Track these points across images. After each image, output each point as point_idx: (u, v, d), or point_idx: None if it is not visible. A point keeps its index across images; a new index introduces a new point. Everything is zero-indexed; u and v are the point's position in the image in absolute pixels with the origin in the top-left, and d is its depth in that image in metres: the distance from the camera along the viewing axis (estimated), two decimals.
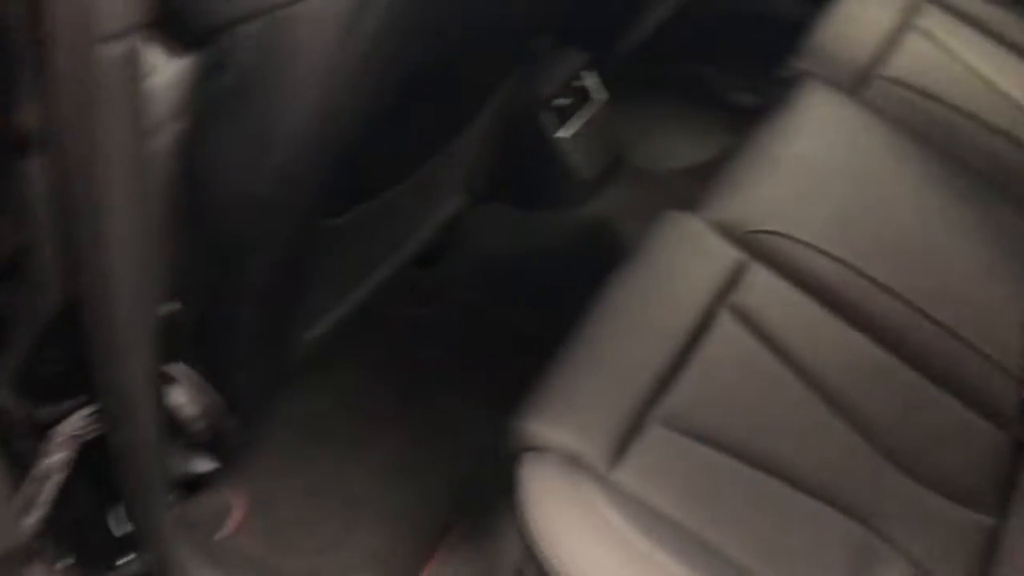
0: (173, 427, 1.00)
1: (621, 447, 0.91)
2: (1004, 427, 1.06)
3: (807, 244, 1.16)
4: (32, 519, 0.90)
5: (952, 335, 1.13)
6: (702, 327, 1.04)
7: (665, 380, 0.98)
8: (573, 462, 0.89)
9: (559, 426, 0.92)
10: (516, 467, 0.91)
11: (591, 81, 1.44)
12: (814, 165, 1.26)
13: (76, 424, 0.91)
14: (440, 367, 1.44)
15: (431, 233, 1.27)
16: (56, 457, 0.91)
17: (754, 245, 1.14)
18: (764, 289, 1.11)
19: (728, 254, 1.12)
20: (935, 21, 1.53)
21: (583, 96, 1.42)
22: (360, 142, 0.85)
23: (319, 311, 1.12)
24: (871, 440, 1.01)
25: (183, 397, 0.99)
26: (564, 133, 1.38)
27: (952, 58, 1.49)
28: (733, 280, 1.10)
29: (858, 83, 1.41)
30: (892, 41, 1.48)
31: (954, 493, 1.00)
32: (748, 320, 1.06)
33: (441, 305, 1.52)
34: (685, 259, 1.12)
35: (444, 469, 1.29)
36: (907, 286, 1.15)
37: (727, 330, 1.05)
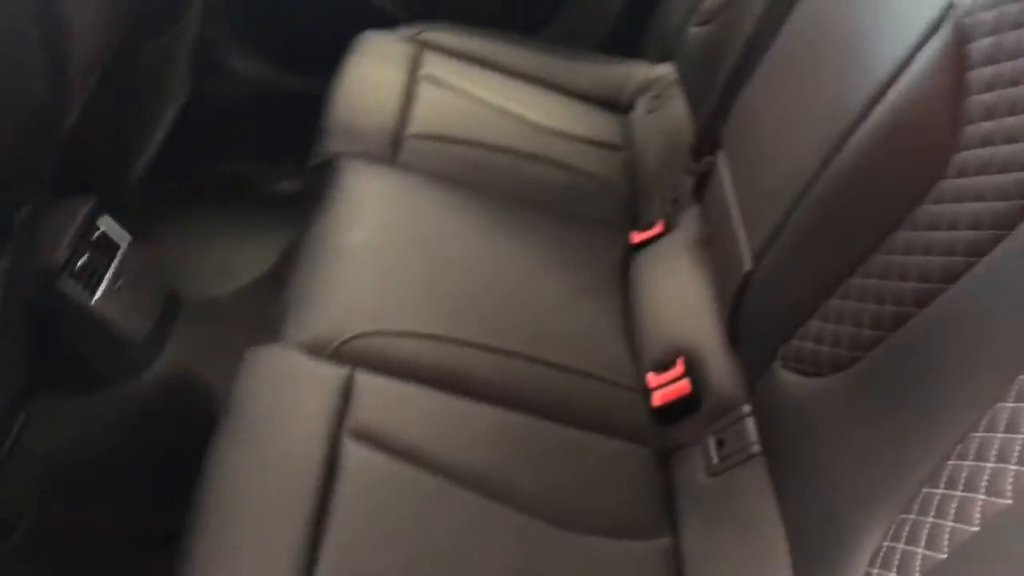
0: None
1: None
2: (644, 442, 1.08)
3: (399, 333, 1.09)
4: None
5: (563, 370, 1.12)
6: (330, 470, 0.92)
7: (310, 554, 0.84)
8: None
9: None
10: None
11: (108, 225, 1.25)
12: (378, 248, 1.20)
13: None
14: None
15: None
16: None
17: (350, 355, 1.05)
18: (377, 398, 1.02)
19: (329, 375, 1.01)
20: (437, 66, 1.55)
21: (106, 246, 1.23)
22: None
23: None
24: (534, 513, 0.96)
25: None
26: (97, 296, 1.17)
27: (464, 97, 1.51)
28: (344, 401, 0.99)
29: (391, 149, 1.38)
30: (407, 97, 1.46)
31: (626, 530, 0.98)
32: (373, 439, 0.97)
33: (13, 529, 1.23)
34: (286, 399, 0.99)
35: None
36: (505, 337, 1.13)
37: (356, 460, 0.95)
